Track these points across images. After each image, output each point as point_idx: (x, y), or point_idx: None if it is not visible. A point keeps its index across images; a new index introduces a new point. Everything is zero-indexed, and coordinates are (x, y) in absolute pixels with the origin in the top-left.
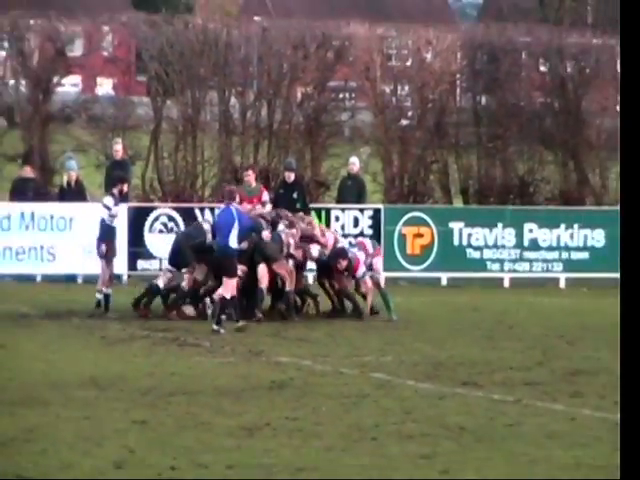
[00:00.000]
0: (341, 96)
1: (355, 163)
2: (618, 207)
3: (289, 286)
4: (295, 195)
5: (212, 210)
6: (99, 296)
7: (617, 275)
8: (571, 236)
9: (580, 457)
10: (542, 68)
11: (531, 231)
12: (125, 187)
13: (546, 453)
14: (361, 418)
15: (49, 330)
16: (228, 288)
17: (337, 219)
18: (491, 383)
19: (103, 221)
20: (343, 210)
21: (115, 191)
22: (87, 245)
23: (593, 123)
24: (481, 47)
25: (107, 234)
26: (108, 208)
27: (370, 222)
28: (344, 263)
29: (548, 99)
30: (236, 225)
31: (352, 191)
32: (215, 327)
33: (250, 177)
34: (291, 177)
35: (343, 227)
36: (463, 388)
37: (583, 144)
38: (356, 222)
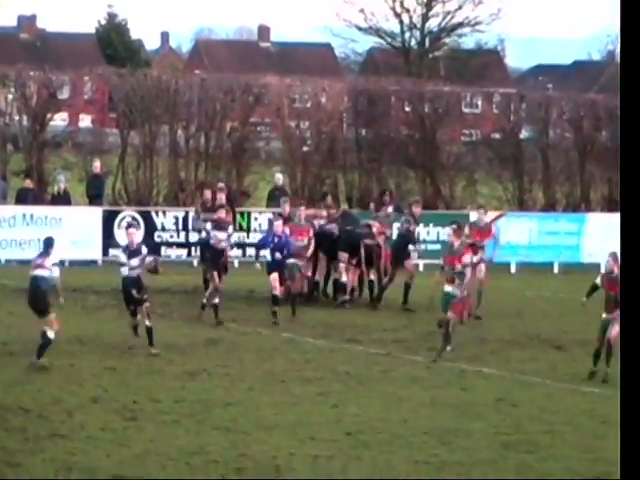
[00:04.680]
0: (259, 129)
1: (280, 178)
2: (463, 211)
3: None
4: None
5: (164, 213)
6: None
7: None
8: (428, 232)
9: (435, 396)
10: (407, 109)
11: None
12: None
13: (409, 393)
14: (274, 366)
15: None
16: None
17: (256, 219)
18: (369, 341)
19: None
20: (260, 213)
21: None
22: (72, 238)
23: (444, 150)
24: (362, 93)
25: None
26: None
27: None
28: None
29: (411, 132)
30: None
31: (279, 199)
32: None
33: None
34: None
35: (260, 225)
36: (349, 344)
37: (437, 165)
38: (270, 222)
